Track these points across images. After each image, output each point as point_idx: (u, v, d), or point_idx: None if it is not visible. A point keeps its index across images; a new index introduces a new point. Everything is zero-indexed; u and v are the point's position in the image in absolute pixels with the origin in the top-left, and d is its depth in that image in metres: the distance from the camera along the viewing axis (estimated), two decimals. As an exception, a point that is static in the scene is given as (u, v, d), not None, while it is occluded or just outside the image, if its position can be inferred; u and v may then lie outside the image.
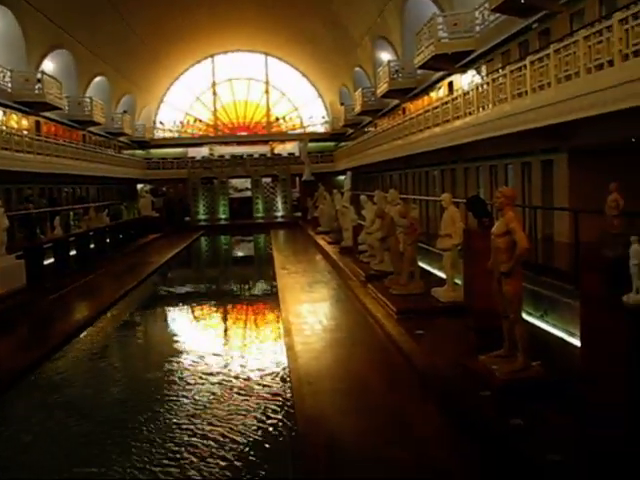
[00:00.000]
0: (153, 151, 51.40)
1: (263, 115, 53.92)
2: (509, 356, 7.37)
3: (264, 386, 9.00)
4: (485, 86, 16.50)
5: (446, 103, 20.00)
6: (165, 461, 6.69)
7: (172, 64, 49.16)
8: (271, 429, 7.42)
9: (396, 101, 33.37)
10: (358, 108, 39.03)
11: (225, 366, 10.27)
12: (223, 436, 7.25)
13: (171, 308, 16.59)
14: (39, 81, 28.37)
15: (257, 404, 8.26)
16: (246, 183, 42.93)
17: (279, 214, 42.08)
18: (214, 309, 16.40)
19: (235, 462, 6.63)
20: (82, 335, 12.44)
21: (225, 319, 15.63)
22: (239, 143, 52.39)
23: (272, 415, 7.83)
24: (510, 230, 7.07)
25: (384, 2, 30.87)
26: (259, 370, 9.84)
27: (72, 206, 29.07)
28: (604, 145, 12.75)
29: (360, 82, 40.63)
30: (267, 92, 53.70)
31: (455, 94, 20.31)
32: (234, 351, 11.69)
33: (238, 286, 20.66)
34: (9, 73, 27.49)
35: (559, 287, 9.39)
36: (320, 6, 38.58)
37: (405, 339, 9.63)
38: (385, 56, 33.96)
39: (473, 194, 16.56)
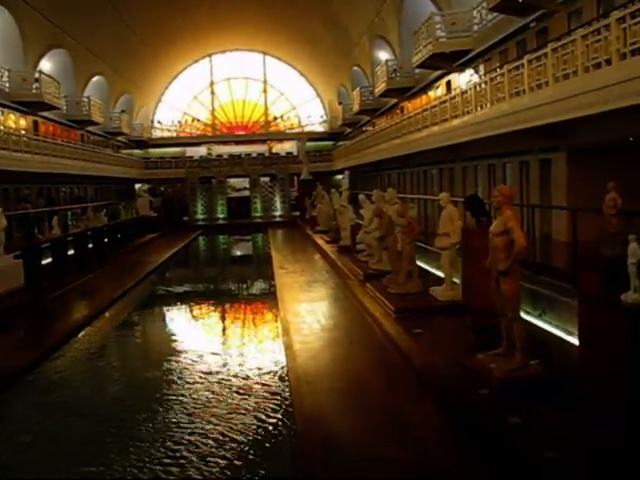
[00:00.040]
0: (151, 151, 51.35)
1: (261, 114, 53.89)
2: (507, 355, 7.38)
3: (263, 385, 9.01)
4: (483, 85, 16.51)
5: (444, 102, 20.00)
6: (166, 460, 6.69)
7: (170, 63, 49.12)
8: (270, 428, 7.42)
9: (394, 100, 33.36)
10: (356, 107, 39.01)
11: (224, 365, 10.27)
12: (222, 435, 7.26)
13: (169, 308, 16.57)
14: (37, 81, 28.29)
15: (256, 403, 8.26)
16: (244, 182, 42.91)
17: (277, 213, 42.07)
18: (212, 308, 16.39)
19: (234, 461, 6.63)
20: (80, 335, 12.43)
21: (223, 318, 15.63)
22: (237, 142, 52.34)
23: (271, 414, 7.83)
24: (508, 229, 7.08)
25: (382, 1, 30.87)
26: (258, 369, 9.83)
27: (70, 206, 29.01)
28: (602, 144, 12.76)
29: (358, 81, 40.62)
30: (265, 91, 53.67)
31: (453, 93, 20.31)
32: (232, 350, 11.70)
33: (236, 285, 20.65)
34: (7, 73, 27.42)
35: (557, 286, 9.40)
36: (318, 5, 38.57)
37: (403, 338, 9.64)
38: (383, 55, 33.96)
39: (471, 193, 16.59)
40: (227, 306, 16.73)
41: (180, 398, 8.61)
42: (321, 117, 53.95)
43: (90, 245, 22.40)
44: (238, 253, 32.64)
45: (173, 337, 13.23)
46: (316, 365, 9.06)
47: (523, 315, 8.05)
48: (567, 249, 11.57)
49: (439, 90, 26.70)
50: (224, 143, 52.27)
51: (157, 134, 53.12)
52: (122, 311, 15.27)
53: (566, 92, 11.71)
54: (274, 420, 7.63)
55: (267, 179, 42.70)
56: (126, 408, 8.51)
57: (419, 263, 13.92)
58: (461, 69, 23.65)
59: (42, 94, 28.33)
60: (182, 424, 7.65)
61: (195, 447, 6.96)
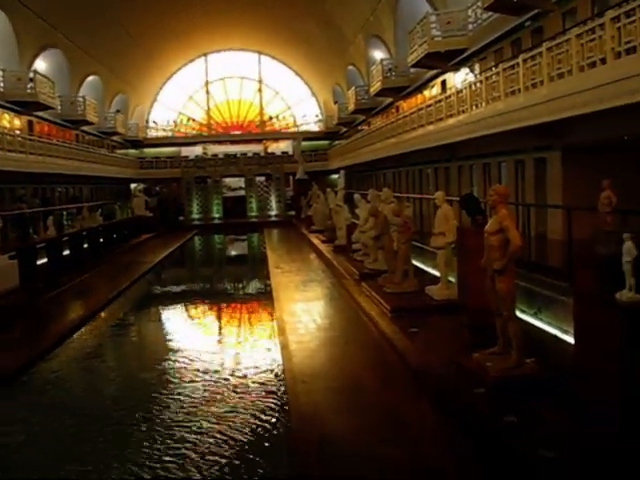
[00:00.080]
0: (146, 150, 51.20)
1: (256, 114, 53.81)
2: (503, 353, 7.39)
3: (259, 384, 9.00)
4: (478, 84, 16.54)
5: (439, 101, 20.02)
6: (166, 457, 6.70)
7: (165, 63, 49.01)
8: (266, 426, 7.43)
9: (389, 99, 33.38)
10: (352, 107, 39.01)
11: (220, 364, 10.26)
12: (220, 433, 7.26)
13: (165, 308, 16.52)
14: (31, 80, 28.16)
15: (252, 402, 8.26)
16: (240, 182, 42.88)
17: (273, 213, 42.05)
18: (208, 308, 16.37)
19: (233, 460, 6.62)
20: (76, 335, 12.39)
21: (219, 318, 15.61)
22: (232, 142, 52.23)
23: (267, 412, 7.82)
24: (503, 228, 7.09)
25: (377, 0, 30.86)
26: (254, 368, 9.83)
27: (65, 206, 28.92)
28: (597, 143, 12.80)
29: (353, 81, 40.60)
30: (260, 91, 53.61)
31: (448, 92, 20.35)
32: (229, 350, 11.68)
33: (232, 285, 20.63)
34: (1, 72, 27.30)
35: (552, 284, 9.43)
36: (313, 5, 38.50)
37: (399, 337, 9.64)
38: (378, 54, 33.95)
39: (467, 192, 16.61)
40: (223, 306, 16.71)
41: (177, 397, 8.59)
42: (316, 116, 53.90)
43: (85, 245, 22.34)
44: (234, 253, 32.61)
45: (169, 337, 13.20)
46: (312, 364, 9.07)
47: (518, 314, 8.07)
48: (562, 248, 11.62)
49: (434, 89, 26.73)
50: (219, 143, 52.14)
51: (152, 134, 52.95)
52: (118, 311, 15.24)
53: (561, 91, 11.75)
54: (270, 418, 7.62)
55: (263, 179, 42.67)
56: (123, 407, 8.48)
57: (415, 262, 13.93)
58: (456, 68, 23.68)
59: (37, 94, 28.21)
60: (181, 423, 7.63)
61: (193, 445, 6.97)
